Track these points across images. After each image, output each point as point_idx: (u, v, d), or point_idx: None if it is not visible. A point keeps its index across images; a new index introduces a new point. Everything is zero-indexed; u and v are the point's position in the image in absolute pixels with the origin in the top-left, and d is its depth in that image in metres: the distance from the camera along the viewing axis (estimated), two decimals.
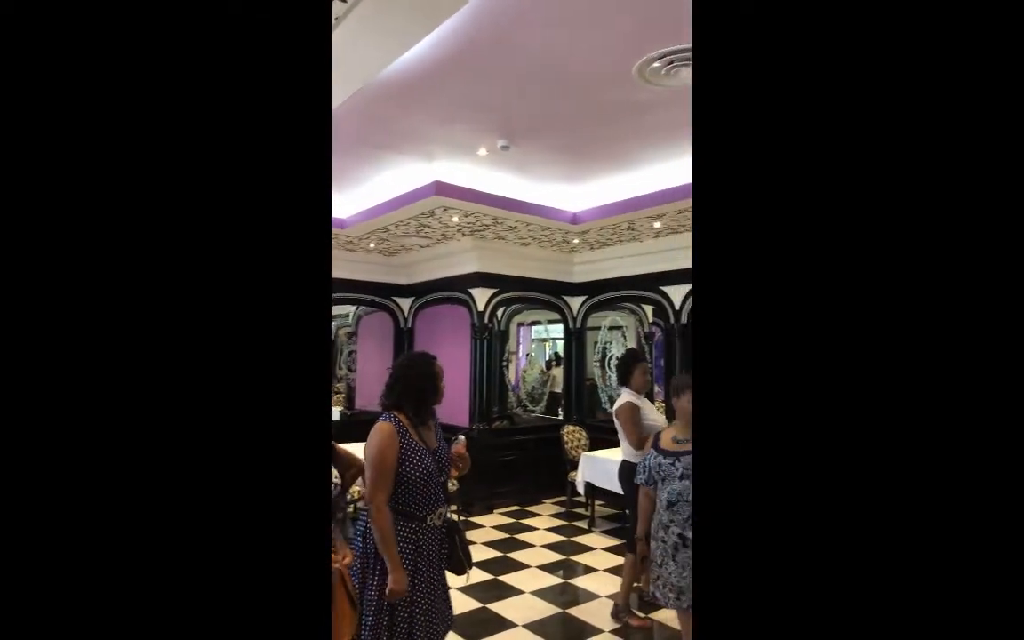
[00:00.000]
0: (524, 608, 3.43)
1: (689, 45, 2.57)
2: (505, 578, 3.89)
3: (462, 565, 2.12)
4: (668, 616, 3.16)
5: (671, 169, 4.13)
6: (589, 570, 4.09)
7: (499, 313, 5.99)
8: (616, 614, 3.29)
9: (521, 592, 3.67)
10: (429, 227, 5.11)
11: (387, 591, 1.88)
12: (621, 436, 3.54)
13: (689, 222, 4.73)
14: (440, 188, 4.28)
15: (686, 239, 5.13)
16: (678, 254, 5.28)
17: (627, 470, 3.34)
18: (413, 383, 2.06)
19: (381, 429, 1.97)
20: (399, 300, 6.82)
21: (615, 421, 3.54)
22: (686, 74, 2.78)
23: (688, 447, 2.30)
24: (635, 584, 3.26)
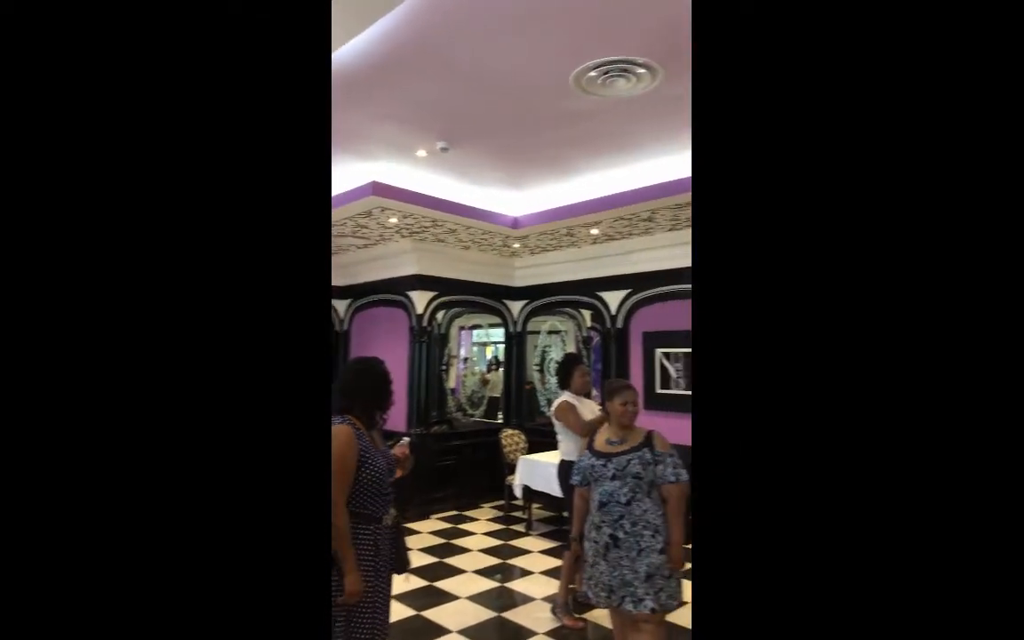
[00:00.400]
0: (460, 614, 3.40)
1: (623, 57, 2.63)
2: (441, 584, 3.84)
3: (403, 564, 2.14)
4: (601, 615, 3.21)
5: (608, 177, 4.23)
6: (526, 573, 4.10)
7: (439, 316, 5.94)
8: (554, 610, 3.32)
9: (457, 598, 3.63)
10: (366, 228, 5.01)
11: (344, 594, 1.82)
12: (560, 437, 3.58)
13: (625, 230, 4.86)
14: (378, 188, 4.21)
15: (622, 246, 5.26)
16: (615, 261, 5.41)
17: (566, 469, 3.38)
18: (368, 386, 2.07)
19: (340, 431, 1.95)
20: (335, 302, 6.63)
21: (554, 422, 3.57)
22: (621, 84, 2.85)
23: (620, 449, 2.35)
24: (570, 585, 3.30)
